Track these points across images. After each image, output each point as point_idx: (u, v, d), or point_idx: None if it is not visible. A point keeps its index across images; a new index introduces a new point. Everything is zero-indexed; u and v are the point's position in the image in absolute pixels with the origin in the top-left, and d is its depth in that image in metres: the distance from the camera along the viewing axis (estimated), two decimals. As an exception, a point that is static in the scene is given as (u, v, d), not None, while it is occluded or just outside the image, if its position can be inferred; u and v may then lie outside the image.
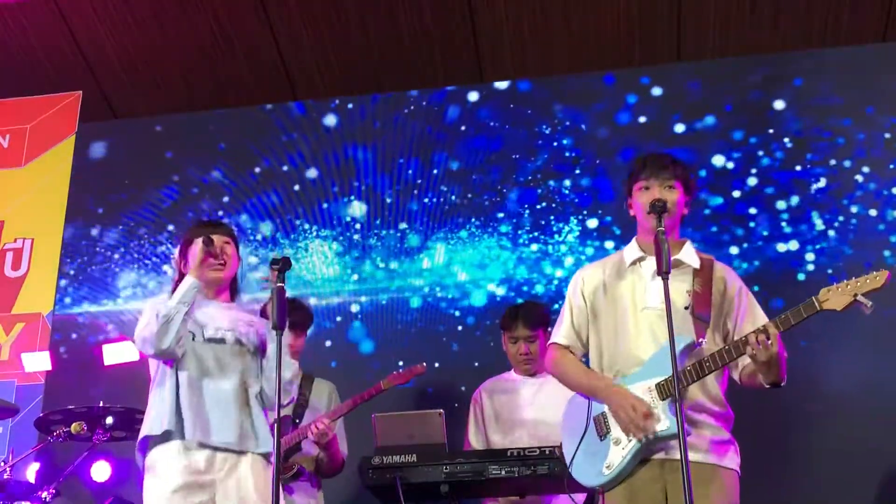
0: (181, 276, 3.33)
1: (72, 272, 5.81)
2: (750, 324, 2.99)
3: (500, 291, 5.33)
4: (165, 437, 3.13)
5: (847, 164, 5.18)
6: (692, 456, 2.76)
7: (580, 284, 3.20)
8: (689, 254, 3.11)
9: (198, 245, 3.30)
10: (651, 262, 3.07)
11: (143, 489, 3.17)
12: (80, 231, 5.89)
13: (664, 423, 2.85)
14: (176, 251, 3.52)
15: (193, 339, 3.25)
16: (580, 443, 2.99)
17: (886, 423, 4.65)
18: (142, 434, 3.20)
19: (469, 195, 5.56)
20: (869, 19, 5.52)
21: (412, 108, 5.78)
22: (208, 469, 3.12)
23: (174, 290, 3.28)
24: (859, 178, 5.14)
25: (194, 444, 3.12)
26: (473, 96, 5.75)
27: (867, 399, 4.74)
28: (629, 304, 3.07)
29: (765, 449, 4.51)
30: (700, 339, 2.93)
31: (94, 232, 5.90)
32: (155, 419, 3.16)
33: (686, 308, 2.98)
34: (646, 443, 2.87)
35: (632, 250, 3.17)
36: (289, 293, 3.13)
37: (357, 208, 5.66)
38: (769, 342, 2.78)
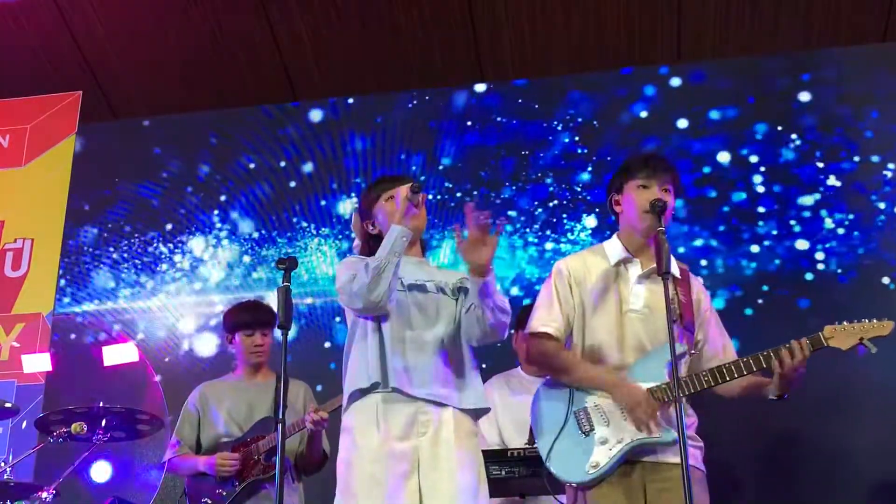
0: (368, 238, 3.17)
1: (71, 272, 5.81)
2: (720, 338, 3.07)
3: (514, 291, 5.28)
4: (372, 388, 2.90)
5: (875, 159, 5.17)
6: (675, 460, 2.72)
7: (566, 275, 3.09)
8: (672, 262, 3.04)
9: (403, 193, 3.03)
10: (636, 265, 3.05)
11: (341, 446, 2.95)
12: (79, 230, 5.88)
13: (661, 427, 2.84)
14: (354, 215, 3.29)
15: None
16: (558, 436, 2.94)
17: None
18: (349, 389, 2.96)
19: (475, 192, 5.54)
20: (869, 19, 5.53)
21: (415, 103, 5.77)
22: (408, 433, 2.88)
23: (362, 250, 3.15)
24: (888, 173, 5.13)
25: (398, 397, 2.90)
26: (479, 88, 5.74)
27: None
28: (613, 307, 3.02)
29: (773, 449, 4.52)
30: (691, 350, 2.94)
31: (94, 231, 5.89)
32: (361, 372, 2.94)
33: (674, 321, 2.87)
34: (638, 445, 2.85)
35: (615, 249, 3.09)
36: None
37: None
38: (801, 361, 2.83)
